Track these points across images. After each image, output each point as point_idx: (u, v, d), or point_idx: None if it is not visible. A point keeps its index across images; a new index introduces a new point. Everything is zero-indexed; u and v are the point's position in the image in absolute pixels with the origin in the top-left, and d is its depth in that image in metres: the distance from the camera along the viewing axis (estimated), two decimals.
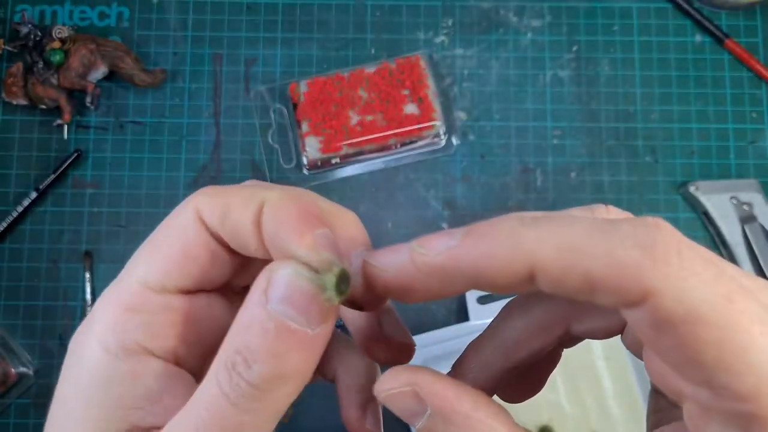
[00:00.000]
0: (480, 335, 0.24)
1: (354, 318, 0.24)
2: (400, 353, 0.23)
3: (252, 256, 0.21)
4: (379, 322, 0.23)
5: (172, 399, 0.20)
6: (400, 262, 0.19)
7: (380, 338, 0.23)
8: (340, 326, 0.22)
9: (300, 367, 0.18)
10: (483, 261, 0.17)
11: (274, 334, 0.17)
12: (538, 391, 0.27)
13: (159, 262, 0.20)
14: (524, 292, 0.24)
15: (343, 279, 0.18)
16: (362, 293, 0.20)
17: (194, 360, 0.21)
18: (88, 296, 0.58)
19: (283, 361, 0.18)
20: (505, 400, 0.25)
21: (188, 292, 0.21)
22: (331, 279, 0.18)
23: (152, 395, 0.20)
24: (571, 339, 0.25)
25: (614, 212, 0.20)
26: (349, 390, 0.24)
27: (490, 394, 0.24)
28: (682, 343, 0.16)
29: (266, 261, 0.19)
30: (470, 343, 0.24)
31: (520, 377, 0.26)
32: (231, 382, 0.18)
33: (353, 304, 0.21)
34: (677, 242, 0.16)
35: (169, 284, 0.20)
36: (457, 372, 0.24)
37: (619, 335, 0.23)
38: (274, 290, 0.18)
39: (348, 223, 0.22)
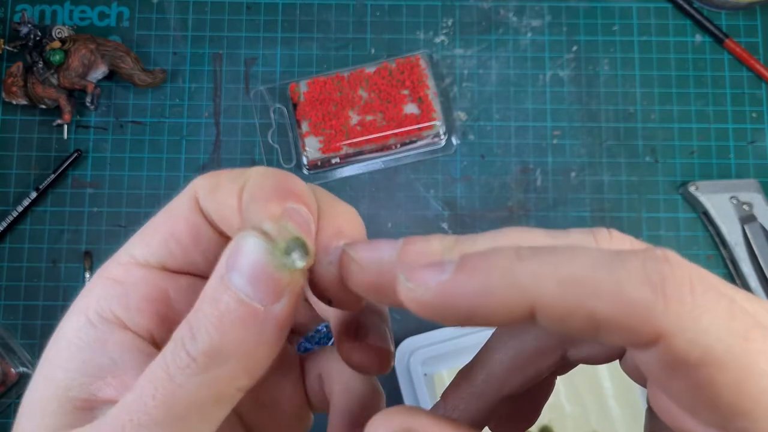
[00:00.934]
0: (470, 362, 0.23)
1: (337, 313, 0.22)
2: (375, 359, 0.21)
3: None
4: (360, 321, 0.22)
5: (136, 375, 0.18)
6: (383, 265, 0.17)
7: (355, 339, 0.21)
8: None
9: (245, 346, 0.17)
10: (477, 299, 0.15)
11: (223, 306, 0.17)
12: (533, 422, 0.25)
13: (148, 237, 0.20)
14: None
15: (297, 249, 0.17)
16: (335, 287, 0.19)
17: (165, 335, 0.20)
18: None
19: (225, 335, 0.17)
20: None
21: (172, 271, 0.21)
22: (281, 246, 0.17)
23: (116, 368, 0.19)
24: (566, 365, 0.23)
25: (617, 238, 0.18)
26: (341, 416, 0.23)
27: (483, 426, 0.22)
28: (696, 385, 0.15)
29: None
30: (460, 371, 0.23)
31: (514, 408, 0.24)
32: (174, 353, 0.17)
33: (322, 296, 0.19)
34: (689, 277, 0.15)
35: (152, 259, 0.20)
36: (448, 402, 0.22)
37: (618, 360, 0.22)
38: (231, 260, 0.17)
39: (341, 216, 0.20)
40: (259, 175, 0.19)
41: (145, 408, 0.17)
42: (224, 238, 0.20)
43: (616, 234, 0.18)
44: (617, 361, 0.22)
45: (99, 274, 0.21)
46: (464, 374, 0.23)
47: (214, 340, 0.17)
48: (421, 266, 0.16)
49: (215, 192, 0.20)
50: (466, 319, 0.16)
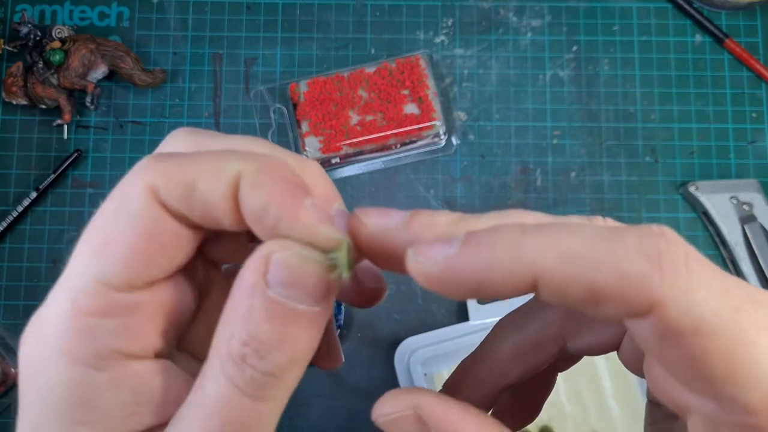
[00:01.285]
0: (473, 353, 0.23)
1: None
2: (372, 298, 0.22)
3: (222, 230, 0.19)
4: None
5: (162, 394, 0.18)
6: (391, 232, 0.18)
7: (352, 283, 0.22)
8: None
9: (311, 344, 0.17)
10: (483, 272, 0.16)
11: (283, 320, 0.17)
12: (534, 418, 0.26)
13: (119, 255, 0.17)
14: (521, 308, 0.23)
15: (350, 253, 0.18)
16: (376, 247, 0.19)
17: (167, 345, 0.19)
18: None
19: (296, 345, 0.17)
20: None
21: (154, 282, 0.19)
22: (342, 257, 0.17)
23: (141, 398, 0.18)
24: (565, 359, 0.24)
25: (612, 224, 0.19)
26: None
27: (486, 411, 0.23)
28: (690, 355, 0.15)
29: (237, 233, 0.18)
30: (463, 361, 0.23)
31: (515, 403, 0.25)
32: (244, 376, 0.17)
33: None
34: (684, 252, 0.16)
35: (136, 280, 0.18)
36: (450, 391, 0.23)
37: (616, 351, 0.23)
38: (275, 275, 0.17)
39: (317, 179, 0.20)
40: (257, 172, 0.18)
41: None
42: (197, 229, 0.19)
43: (611, 221, 0.19)
44: (617, 362, 0.23)
45: (61, 307, 0.18)
46: (465, 365, 0.23)
47: (288, 354, 0.17)
48: (429, 241, 0.17)
49: (192, 191, 0.18)
50: (473, 291, 0.16)
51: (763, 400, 0.15)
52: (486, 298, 0.17)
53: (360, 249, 0.18)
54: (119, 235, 0.18)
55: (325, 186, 0.21)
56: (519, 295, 0.16)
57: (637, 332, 0.16)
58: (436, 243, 0.17)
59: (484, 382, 0.23)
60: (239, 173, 0.17)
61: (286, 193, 0.17)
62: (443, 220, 0.18)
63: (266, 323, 0.17)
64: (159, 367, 0.19)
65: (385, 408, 0.18)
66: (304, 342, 0.17)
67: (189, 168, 0.18)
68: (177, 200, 0.18)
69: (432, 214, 0.18)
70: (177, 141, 0.20)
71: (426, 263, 0.16)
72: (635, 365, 0.21)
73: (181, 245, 0.19)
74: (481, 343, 0.23)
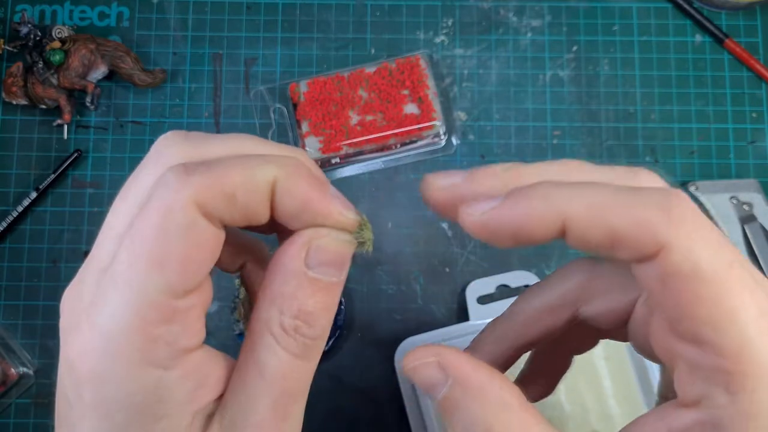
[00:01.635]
0: (499, 315, 0.27)
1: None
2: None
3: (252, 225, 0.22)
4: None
5: (213, 373, 0.21)
6: (454, 187, 0.22)
7: None
8: None
9: (337, 303, 0.22)
10: (521, 218, 0.20)
11: (324, 293, 0.21)
12: (548, 393, 0.29)
13: (177, 268, 0.19)
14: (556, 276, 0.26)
15: (371, 229, 0.22)
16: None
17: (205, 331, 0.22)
18: None
19: (332, 309, 0.21)
20: None
21: (203, 281, 0.21)
22: (367, 234, 0.22)
23: (201, 382, 0.21)
24: (582, 338, 0.27)
25: (652, 179, 0.22)
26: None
27: (502, 371, 0.26)
28: (682, 296, 0.18)
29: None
30: (490, 322, 0.27)
31: (532, 376, 0.28)
32: (298, 343, 0.21)
33: None
34: (692, 211, 0.18)
35: (192, 285, 0.20)
36: (473, 345, 0.27)
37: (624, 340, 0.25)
38: (316, 257, 0.21)
39: (314, 167, 0.24)
40: (290, 177, 0.21)
41: (290, 384, 0.21)
42: (224, 227, 0.21)
43: (653, 176, 0.22)
44: (618, 361, 0.24)
45: (129, 323, 0.19)
46: (491, 323, 0.27)
47: (328, 318, 0.21)
48: (477, 200, 0.21)
49: (234, 199, 0.20)
50: (513, 236, 0.20)
51: (738, 345, 0.18)
52: (523, 244, 0.21)
53: (432, 205, 0.23)
54: (174, 249, 0.19)
55: (318, 170, 0.24)
56: (551, 238, 0.20)
57: (644, 276, 0.19)
58: (483, 199, 0.21)
59: (505, 338, 0.26)
60: (274, 179, 0.20)
61: (316, 191, 0.21)
62: (498, 167, 0.22)
63: (311, 298, 0.21)
64: (206, 352, 0.21)
65: (412, 358, 0.22)
66: (334, 305, 0.22)
67: (228, 180, 0.20)
68: (220, 210, 0.20)
69: (488, 167, 0.22)
70: (174, 148, 0.22)
71: (475, 214, 0.21)
72: (641, 338, 0.23)
73: (219, 245, 0.21)
74: (508, 307, 0.27)
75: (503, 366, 0.26)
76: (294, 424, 0.21)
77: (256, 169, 0.20)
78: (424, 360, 0.22)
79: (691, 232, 0.18)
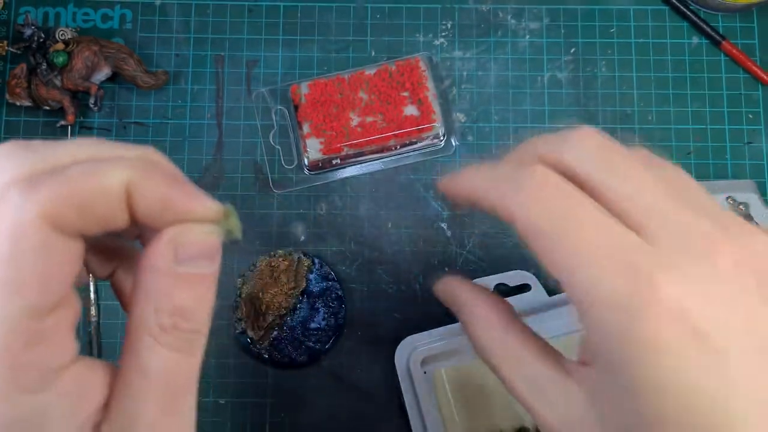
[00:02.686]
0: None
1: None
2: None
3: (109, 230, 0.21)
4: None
5: (93, 384, 0.21)
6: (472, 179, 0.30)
7: None
8: None
9: (214, 295, 0.22)
10: (462, 190, 0.30)
11: (196, 286, 0.21)
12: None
13: (35, 288, 0.19)
14: None
15: (237, 217, 0.22)
16: None
17: (77, 342, 0.21)
18: (92, 295, 0.59)
19: (208, 300, 0.21)
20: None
21: (66, 294, 0.20)
22: (234, 222, 0.22)
23: (81, 395, 0.20)
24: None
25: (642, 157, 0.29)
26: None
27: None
28: (534, 250, 0.25)
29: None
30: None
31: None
32: (178, 339, 0.21)
33: None
34: (537, 183, 0.26)
35: (54, 301, 0.19)
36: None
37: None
38: (185, 252, 0.21)
39: (165, 162, 0.24)
40: (145, 179, 0.20)
41: (176, 379, 0.21)
42: (82, 236, 0.20)
43: (644, 152, 0.28)
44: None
45: (1, 356, 0.18)
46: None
47: (206, 309, 0.21)
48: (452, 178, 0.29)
49: (86, 211, 0.19)
50: (464, 200, 0.29)
51: (582, 284, 0.22)
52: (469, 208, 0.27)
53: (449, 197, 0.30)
54: (30, 271, 0.18)
55: (172, 166, 0.24)
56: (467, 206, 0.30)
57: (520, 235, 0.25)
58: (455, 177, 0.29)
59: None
60: (128, 182, 0.20)
61: (174, 188, 0.21)
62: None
63: (184, 293, 0.21)
64: (82, 364, 0.21)
65: (440, 285, 0.34)
66: (211, 295, 0.22)
67: (76, 189, 0.19)
68: (73, 221, 0.19)
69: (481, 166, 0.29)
70: (14, 161, 0.20)
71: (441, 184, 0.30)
72: None
73: (79, 257, 0.20)
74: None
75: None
76: (185, 419, 0.21)
77: (106, 174, 0.19)
78: (446, 285, 0.33)
79: (528, 203, 0.25)
